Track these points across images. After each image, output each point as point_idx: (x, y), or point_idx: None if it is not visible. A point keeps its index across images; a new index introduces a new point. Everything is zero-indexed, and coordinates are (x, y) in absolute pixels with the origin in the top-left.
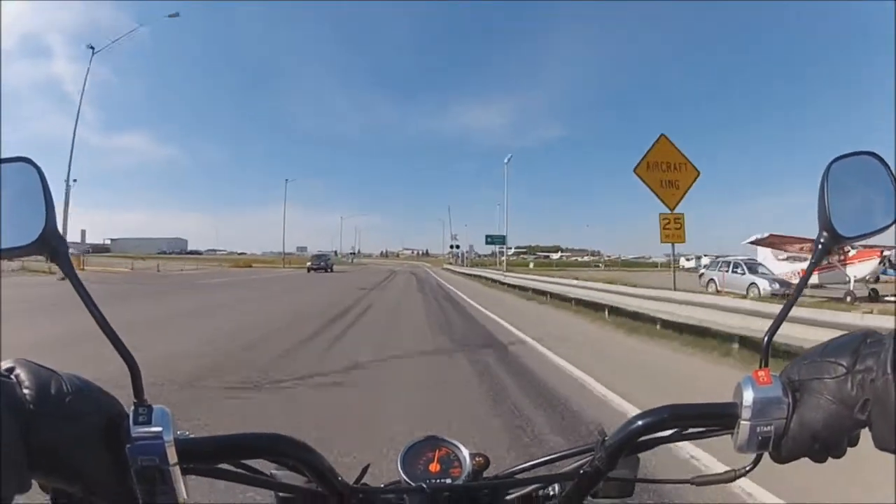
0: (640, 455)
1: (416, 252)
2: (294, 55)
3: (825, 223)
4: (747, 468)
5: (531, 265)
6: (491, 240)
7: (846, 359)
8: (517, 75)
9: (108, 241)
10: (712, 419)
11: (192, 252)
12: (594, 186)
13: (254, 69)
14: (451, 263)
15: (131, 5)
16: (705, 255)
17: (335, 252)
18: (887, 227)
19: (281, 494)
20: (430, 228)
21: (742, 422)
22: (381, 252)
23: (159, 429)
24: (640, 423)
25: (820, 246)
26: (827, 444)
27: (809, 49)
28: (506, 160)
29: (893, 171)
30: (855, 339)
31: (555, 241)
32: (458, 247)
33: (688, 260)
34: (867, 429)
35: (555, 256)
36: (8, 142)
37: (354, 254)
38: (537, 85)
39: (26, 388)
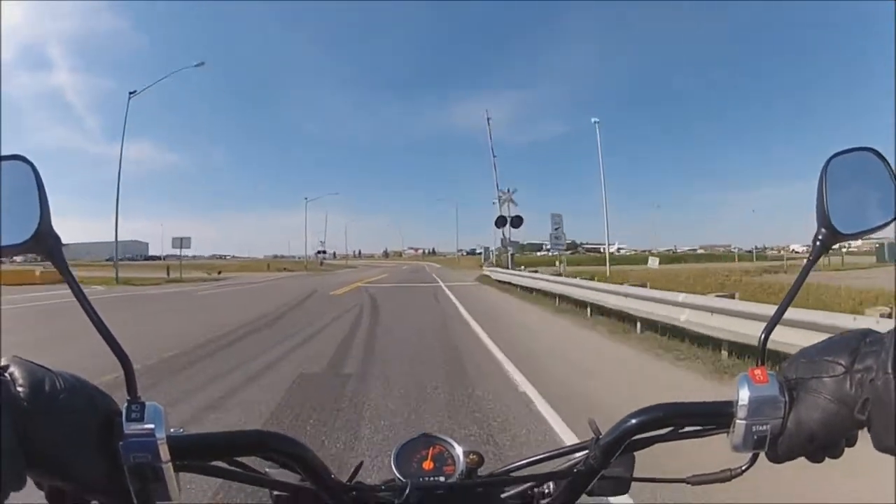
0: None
1: (421, 251)
2: (294, 52)
3: (824, 220)
4: (743, 467)
5: (654, 263)
6: None
7: (845, 357)
8: (524, 69)
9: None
10: (708, 418)
11: (151, 257)
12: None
13: (250, 70)
14: (495, 263)
15: (130, 14)
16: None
17: (322, 253)
18: (887, 224)
19: (275, 493)
20: (437, 227)
21: (738, 421)
22: (384, 252)
23: (152, 426)
24: (633, 421)
25: (818, 243)
26: (824, 444)
27: (809, 47)
28: None
29: (892, 167)
30: (854, 337)
31: (571, 236)
32: (517, 222)
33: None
34: (865, 429)
35: (612, 249)
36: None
37: (323, 252)
38: (544, 79)
39: (20, 385)
